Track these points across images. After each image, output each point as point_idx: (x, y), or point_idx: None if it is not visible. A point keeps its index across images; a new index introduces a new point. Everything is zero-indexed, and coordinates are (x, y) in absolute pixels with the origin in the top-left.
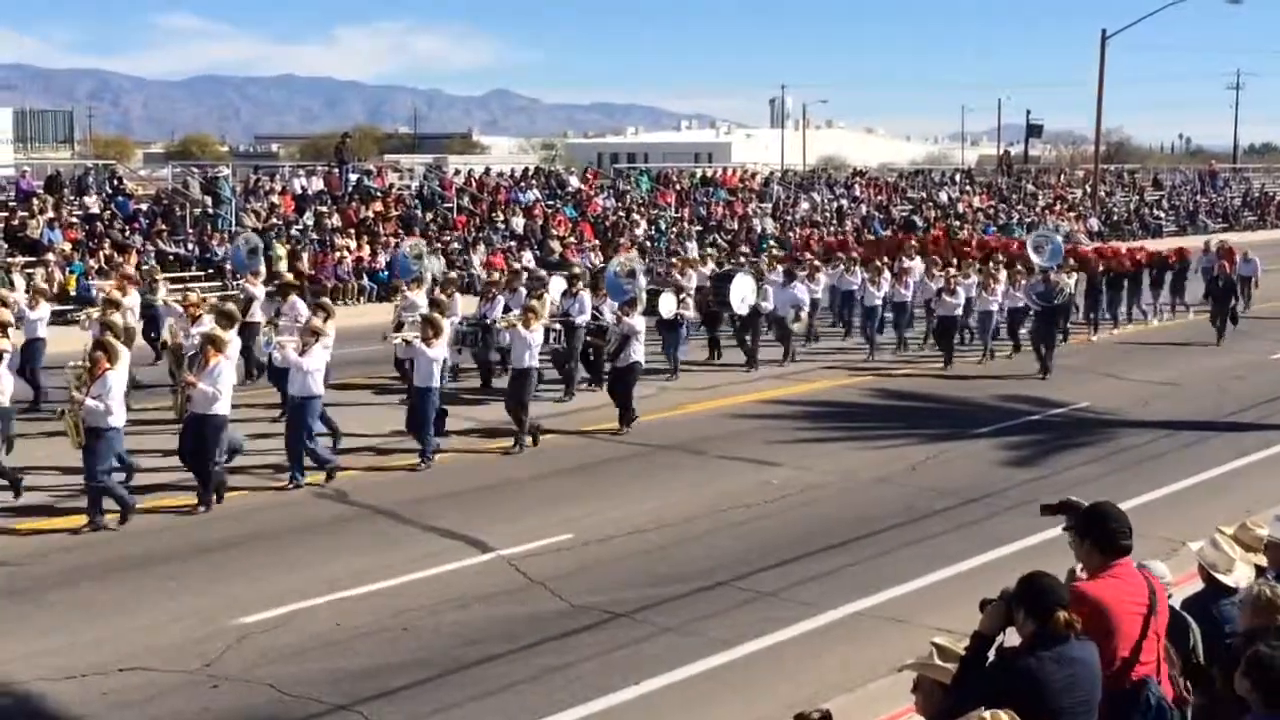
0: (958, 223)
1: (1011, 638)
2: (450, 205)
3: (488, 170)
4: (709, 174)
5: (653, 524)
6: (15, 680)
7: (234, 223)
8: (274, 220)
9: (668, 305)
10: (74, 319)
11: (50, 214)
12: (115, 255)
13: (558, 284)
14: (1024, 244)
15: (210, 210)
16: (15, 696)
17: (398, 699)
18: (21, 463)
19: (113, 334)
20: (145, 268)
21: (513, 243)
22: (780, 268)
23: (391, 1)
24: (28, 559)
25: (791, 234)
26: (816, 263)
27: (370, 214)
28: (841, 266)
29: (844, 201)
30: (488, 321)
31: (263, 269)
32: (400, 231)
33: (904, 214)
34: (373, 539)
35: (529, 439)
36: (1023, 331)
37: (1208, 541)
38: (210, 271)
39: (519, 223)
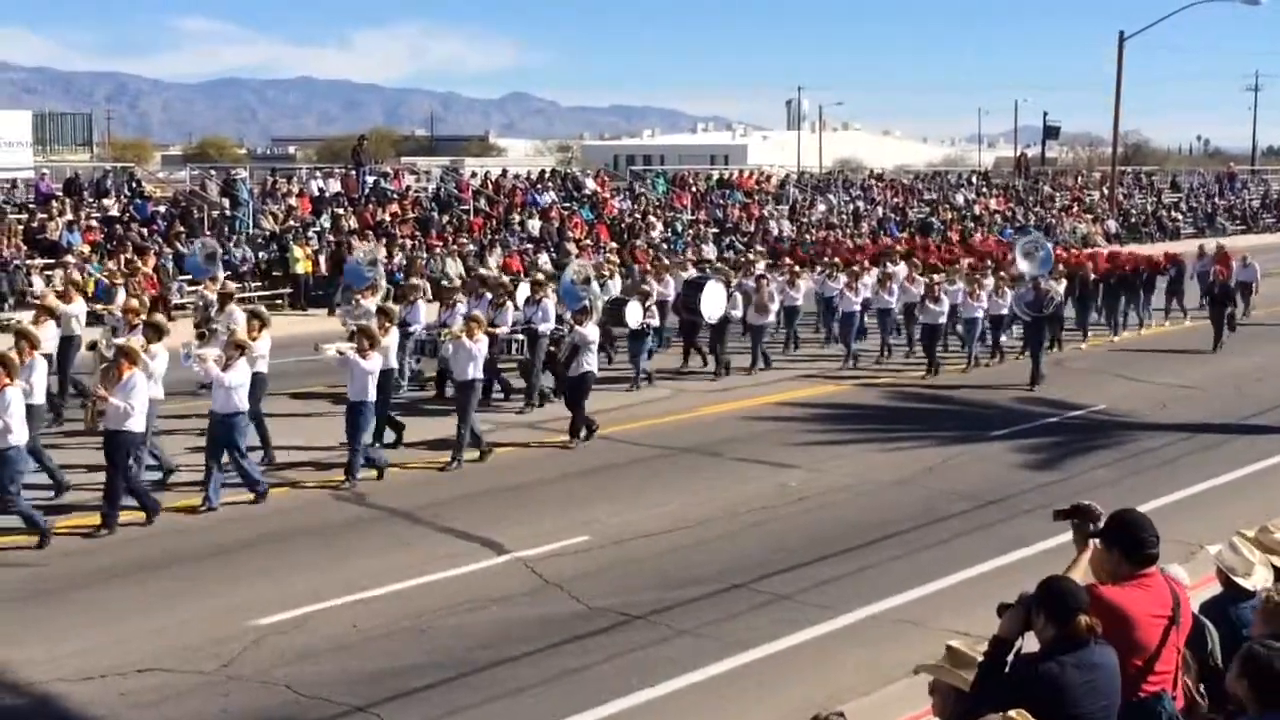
0: (973, 225)
1: (1029, 643)
2: (467, 207)
3: (504, 172)
4: (725, 176)
5: (669, 526)
6: (34, 681)
7: (252, 224)
8: (291, 222)
9: (634, 314)
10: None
11: (69, 216)
12: (135, 257)
13: (525, 290)
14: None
15: (228, 212)
16: (34, 697)
17: (414, 700)
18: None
19: (29, 344)
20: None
21: (529, 245)
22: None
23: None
24: (46, 561)
25: (808, 236)
26: (796, 268)
27: (387, 216)
28: (825, 272)
29: (860, 204)
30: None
31: (221, 275)
32: (417, 233)
33: (920, 216)
34: (389, 541)
35: (476, 453)
36: (1007, 340)
37: (1226, 545)
38: (228, 274)
39: (535, 225)
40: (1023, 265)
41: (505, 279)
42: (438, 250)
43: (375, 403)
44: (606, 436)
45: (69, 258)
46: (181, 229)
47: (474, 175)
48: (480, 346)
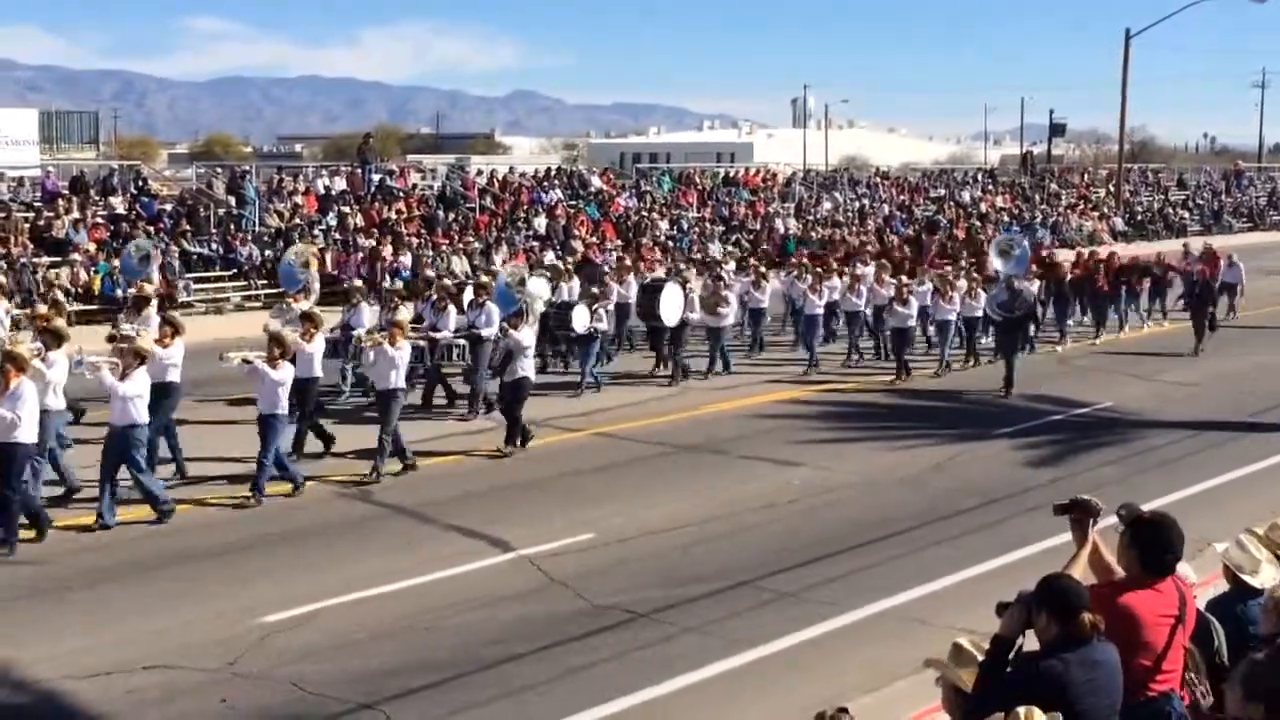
0: (979, 223)
1: (1029, 641)
2: (472, 205)
3: (510, 170)
4: (731, 174)
5: (674, 524)
6: (40, 679)
7: (257, 222)
8: (297, 220)
9: (581, 318)
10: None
11: (76, 214)
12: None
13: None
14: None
15: (234, 210)
16: (40, 695)
17: (419, 698)
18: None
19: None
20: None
21: (535, 243)
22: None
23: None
24: (51, 559)
25: (814, 234)
26: (762, 269)
27: (393, 214)
28: (792, 273)
29: (866, 201)
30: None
31: (156, 276)
32: (423, 231)
33: (926, 214)
34: (395, 539)
35: (398, 466)
36: (986, 341)
37: (1233, 542)
38: (234, 272)
39: (541, 223)
40: (997, 263)
41: (448, 280)
42: (443, 248)
43: (298, 413)
44: (611, 434)
45: (75, 255)
46: (188, 227)
47: (479, 173)
48: (403, 353)
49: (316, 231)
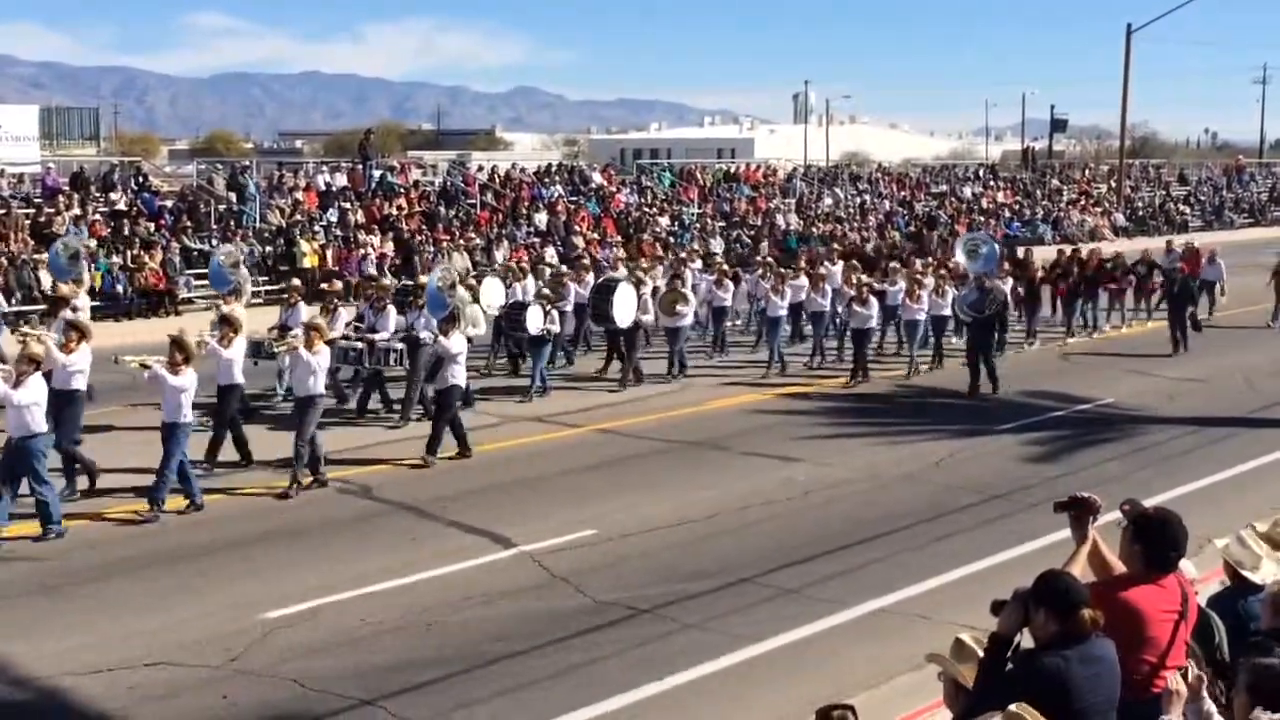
0: (981, 218)
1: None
2: (473, 201)
3: (511, 166)
4: (732, 170)
5: (676, 520)
6: (43, 675)
7: (258, 219)
8: (298, 216)
9: (534, 319)
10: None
11: (76, 210)
12: (142, 253)
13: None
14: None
15: (235, 207)
16: (43, 691)
17: (422, 694)
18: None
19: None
20: None
21: (536, 239)
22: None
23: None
24: (54, 555)
25: (815, 229)
26: (725, 267)
27: (394, 210)
28: (758, 272)
29: (867, 197)
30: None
31: (86, 277)
32: (424, 227)
33: (927, 210)
34: (397, 535)
35: (309, 479)
36: (957, 342)
37: (1234, 538)
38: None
39: (542, 219)
40: (964, 263)
41: (388, 281)
42: (444, 244)
43: (216, 420)
44: (612, 430)
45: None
46: (188, 223)
47: (481, 169)
48: (320, 359)
49: (317, 228)
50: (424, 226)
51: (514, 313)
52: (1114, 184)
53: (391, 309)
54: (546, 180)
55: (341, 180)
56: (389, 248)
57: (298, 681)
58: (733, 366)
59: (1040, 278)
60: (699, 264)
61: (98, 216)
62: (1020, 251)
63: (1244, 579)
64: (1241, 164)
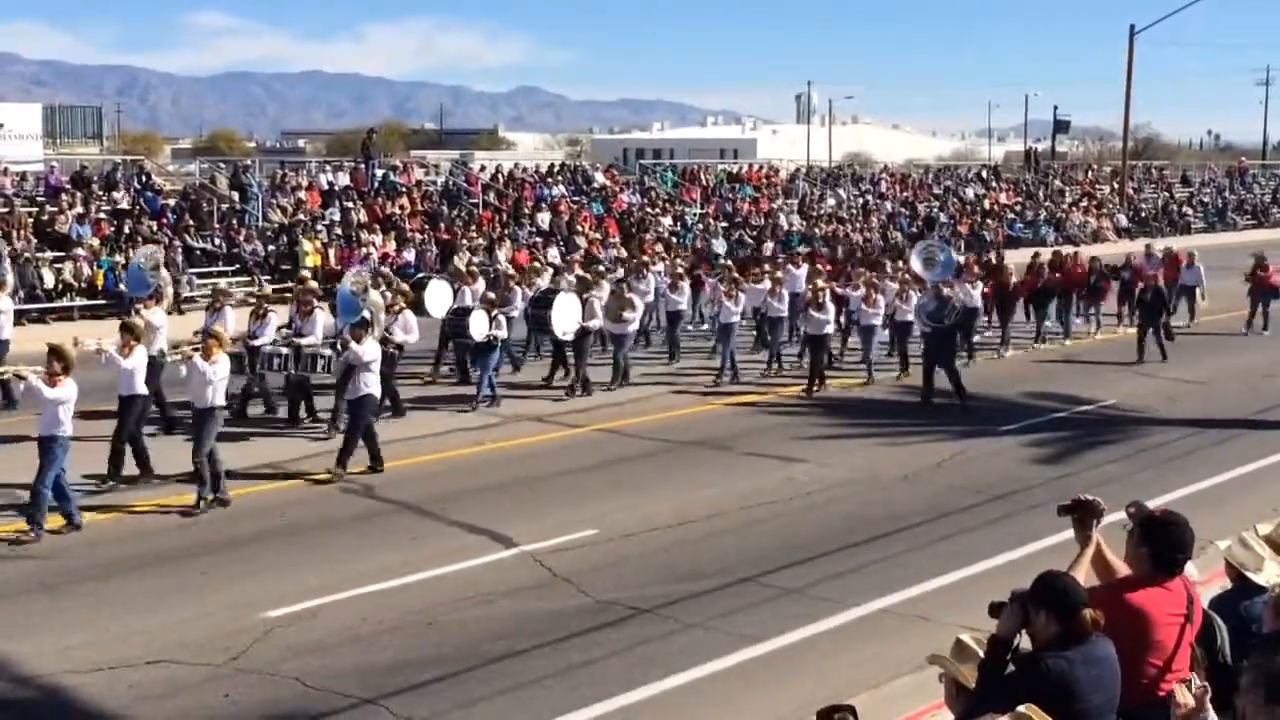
0: (983, 219)
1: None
2: (476, 201)
3: (514, 166)
4: (735, 170)
5: (677, 520)
6: (44, 673)
7: (261, 218)
8: (300, 215)
9: (479, 325)
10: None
11: (79, 209)
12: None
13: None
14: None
15: (237, 206)
16: (44, 689)
17: (423, 693)
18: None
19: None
20: None
21: (539, 239)
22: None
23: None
24: (56, 553)
25: (818, 230)
26: (679, 270)
27: (396, 209)
28: (716, 275)
29: (870, 198)
30: (255, 344)
31: (10, 278)
32: (426, 227)
33: (929, 210)
34: (398, 534)
35: (210, 496)
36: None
37: (1236, 540)
38: (238, 267)
39: (545, 219)
40: (921, 271)
41: (314, 284)
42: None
43: (115, 433)
44: (613, 430)
45: (79, 250)
46: (191, 222)
47: (483, 169)
48: (218, 368)
49: (320, 227)
50: (426, 226)
51: (456, 318)
52: (1117, 185)
53: (319, 313)
54: (549, 180)
55: (344, 179)
56: (391, 246)
57: (299, 680)
58: (686, 374)
59: (1015, 283)
60: (661, 266)
61: (101, 215)
62: (994, 256)
63: (1247, 581)
64: (1244, 165)
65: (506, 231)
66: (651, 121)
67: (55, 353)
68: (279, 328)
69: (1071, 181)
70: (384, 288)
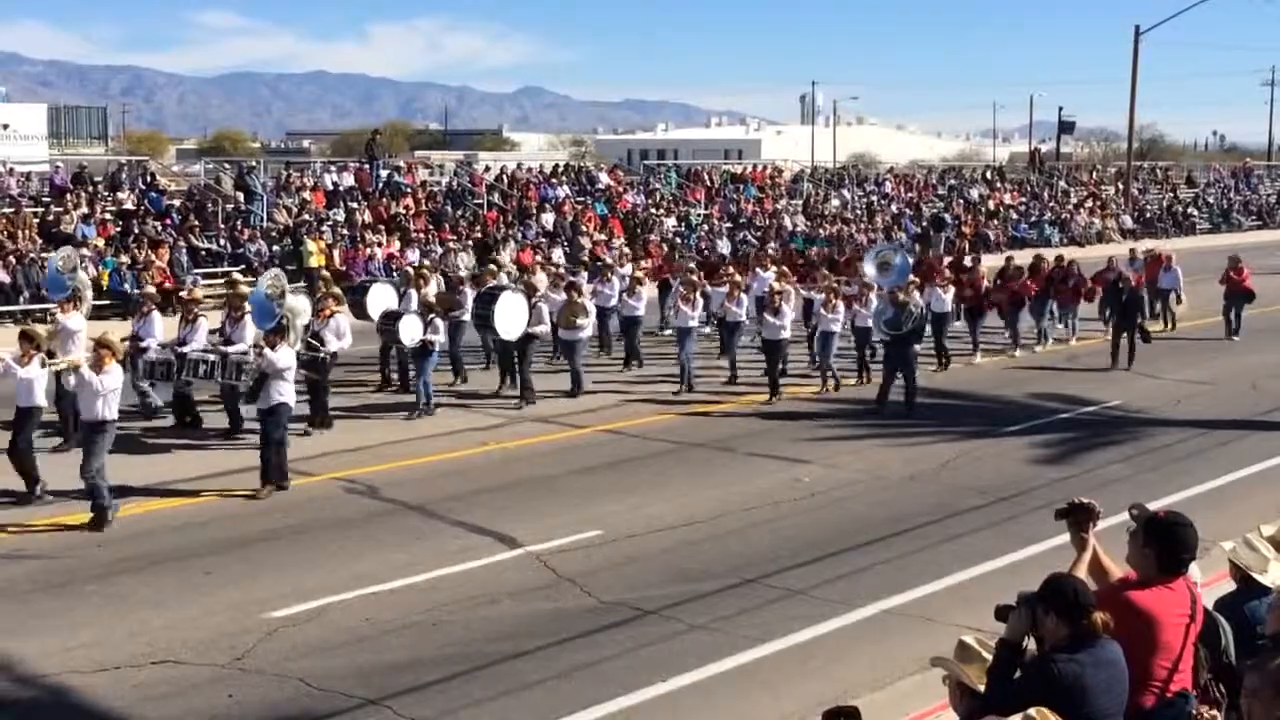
0: (986, 219)
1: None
2: (480, 201)
3: (518, 167)
4: (739, 171)
5: (682, 521)
6: (48, 672)
7: (266, 218)
8: (305, 216)
9: (410, 329)
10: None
11: (84, 209)
12: (149, 251)
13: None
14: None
15: (242, 206)
16: (48, 689)
17: (427, 694)
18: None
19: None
20: None
21: (543, 239)
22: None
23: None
24: (60, 553)
25: (822, 231)
26: (639, 274)
27: (400, 210)
28: (677, 279)
29: (874, 198)
30: (183, 350)
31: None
32: (430, 227)
33: (934, 211)
34: (403, 534)
35: (110, 513)
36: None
37: (1241, 541)
38: (243, 268)
39: (549, 219)
40: (874, 276)
41: (245, 288)
42: (451, 244)
43: (10, 446)
44: (617, 431)
45: (83, 250)
46: (196, 222)
47: (488, 169)
48: (110, 379)
49: (324, 228)
50: (430, 226)
51: (385, 323)
52: (1121, 186)
53: (249, 320)
54: (554, 181)
55: (349, 180)
56: (395, 246)
57: (303, 680)
58: (644, 381)
59: (987, 288)
60: (628, 269)
61: (106, 216)
62: (967, 260)
63: (1251, 582)
64: (1250, 166)
65: (511, 232)
66: (656, 122)
67: (25, 335)
68: (210, 332)
69: (1076, 182)
70: (321, 292)
